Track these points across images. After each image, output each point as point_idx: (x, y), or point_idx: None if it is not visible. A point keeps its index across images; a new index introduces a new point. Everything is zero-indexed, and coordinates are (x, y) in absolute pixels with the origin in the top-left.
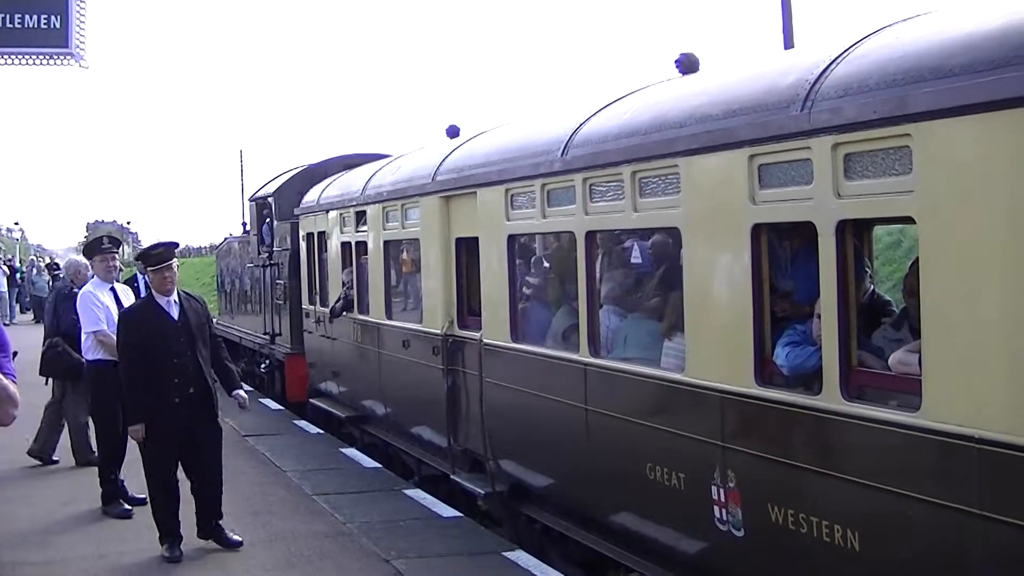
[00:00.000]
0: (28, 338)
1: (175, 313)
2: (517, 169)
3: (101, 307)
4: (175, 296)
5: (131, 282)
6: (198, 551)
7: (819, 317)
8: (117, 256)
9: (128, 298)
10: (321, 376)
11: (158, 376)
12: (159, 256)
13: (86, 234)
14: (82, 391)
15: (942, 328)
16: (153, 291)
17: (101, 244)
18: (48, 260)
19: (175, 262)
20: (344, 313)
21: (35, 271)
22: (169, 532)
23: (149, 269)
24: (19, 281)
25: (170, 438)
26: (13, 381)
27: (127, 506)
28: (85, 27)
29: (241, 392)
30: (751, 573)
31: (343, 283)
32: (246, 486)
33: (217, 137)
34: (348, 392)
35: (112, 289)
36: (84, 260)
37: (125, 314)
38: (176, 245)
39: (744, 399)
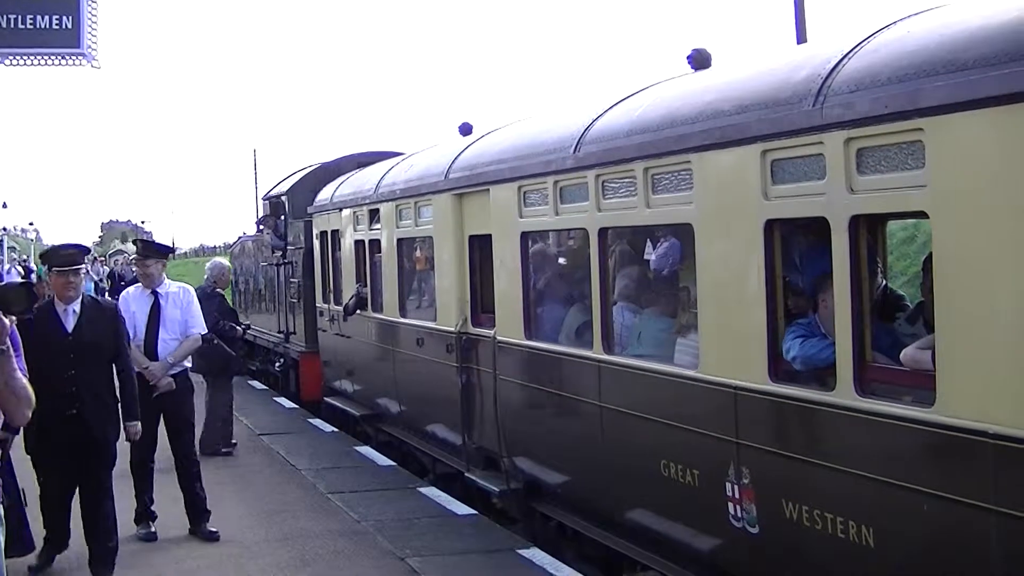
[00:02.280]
0: None
1: (70, 324)
2: (530, 166)
3: (127, 314)
4: (76, 305)
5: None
6: (215, 552)
7: (823, 303)
8: (151, 263)
9: (176, 304)
10: (335, 374)
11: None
12: (67, 257)
13: (100, 233)
14: (224, 386)
15: (956, 323)
16: (55, 296)
17: (138, 249)
18: None
19: (83, 267)
20: (357, 311)
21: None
22: (49, 538)
23: (54, 268)
24: (34, 282)
25: (60, 455)
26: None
27: (152, 528)
28: (97, 27)
29: (132, 423)
30: (766, 570)
31: (356, 280)
32: (261, 485)
33: (231, 136)
34: (362, 390)
35: (155, 293)
36: (227, 263)
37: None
38: (87, 250)
39: (758, 395)
